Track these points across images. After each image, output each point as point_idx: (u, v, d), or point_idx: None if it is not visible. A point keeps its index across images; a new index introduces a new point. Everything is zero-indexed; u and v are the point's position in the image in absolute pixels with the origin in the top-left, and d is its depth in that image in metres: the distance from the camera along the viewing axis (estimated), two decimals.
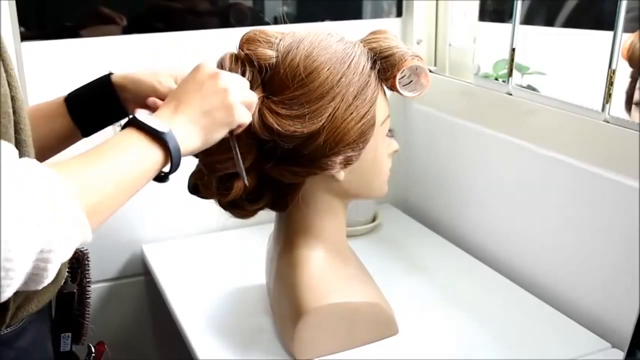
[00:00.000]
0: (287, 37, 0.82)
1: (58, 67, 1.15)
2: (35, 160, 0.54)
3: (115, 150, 0.60)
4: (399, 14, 1.38)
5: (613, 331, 0.95)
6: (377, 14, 1.38)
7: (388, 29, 0.87)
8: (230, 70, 0.80)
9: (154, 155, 0.62)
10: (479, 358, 0.91)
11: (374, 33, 0.87)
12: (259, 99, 0.79)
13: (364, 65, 0.82)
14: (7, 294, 0.50)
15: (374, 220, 1.33)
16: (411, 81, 0.88)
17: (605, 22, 0.99)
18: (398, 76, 0.84)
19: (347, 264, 0.94)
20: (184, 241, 1.29)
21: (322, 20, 1.31)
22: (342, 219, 0.92)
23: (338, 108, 0.79)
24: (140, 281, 1.32)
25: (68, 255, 0.54)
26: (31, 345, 0.68)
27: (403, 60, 0.83)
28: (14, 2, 1.09)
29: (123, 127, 0.64)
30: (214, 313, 1.01)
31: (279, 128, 0.78)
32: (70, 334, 0.77)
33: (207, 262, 1.21)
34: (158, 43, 1.20)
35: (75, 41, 1.15)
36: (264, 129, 0.79)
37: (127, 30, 1.19)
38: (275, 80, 0.80)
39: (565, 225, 1.02)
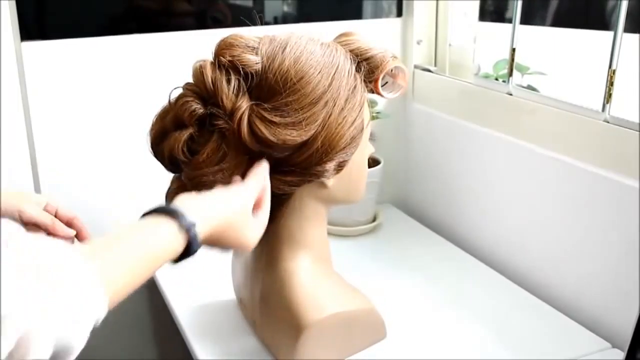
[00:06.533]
0: (266, 41, 0.78)
1: (58, 67, 1.15)
2: (65, 246, 0.52)
3: (153, 249, 0.59)
4: (399, 14, 1.38)
5: (613, 331, 0.95)
6: (377, 14, 1.38)
7: (356, 31, 0.85)
8: (214, 79, 0.75)
9: (176, 252, 0.62)
10: (478, 358, 0.91)
11: (345, 35, 0.84)
12: (247, 108, 0.74)
13: (349, 69, 0.79)
14: None
15: (374, 220, 1.33)
16: (387, 82, 0.86)
17: (605, 22, 0.99)
18: (380, 78, 0.82)
19: (332, 270, 0.91)
20: None
21: (322, 20, 1.31)
22: (325, 225, 0.89)
23: (332, 113, 0.76)
24: None
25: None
26: None
27: (385, 62, 0.82)
28: (14, 2, 1.09)
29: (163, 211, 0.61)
30: (214, 313, 1.01)
31: (272, 138, 0.73)
32: None
33: (208, 261, 1.20)
34: (160, 43, 1.20)
35: (76, 41, 1.15)
36: (254, 140, 0.74)
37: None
38: (262, 87, 0.75)
39: (565, 225, 1.02)
